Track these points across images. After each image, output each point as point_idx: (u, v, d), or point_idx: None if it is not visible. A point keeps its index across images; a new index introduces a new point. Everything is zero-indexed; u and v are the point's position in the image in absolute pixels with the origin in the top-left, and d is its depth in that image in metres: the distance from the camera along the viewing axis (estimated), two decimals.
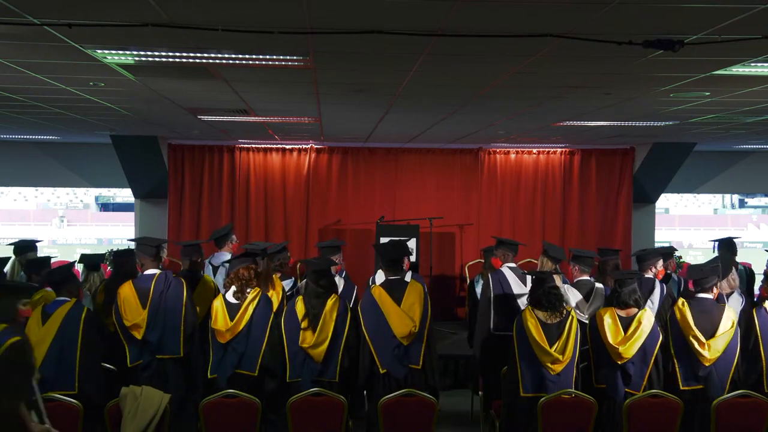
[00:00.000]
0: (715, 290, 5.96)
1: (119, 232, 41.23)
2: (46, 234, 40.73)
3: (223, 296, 5.97)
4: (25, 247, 8.20)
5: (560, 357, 5.46)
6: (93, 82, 5.96)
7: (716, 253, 7.91)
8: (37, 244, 8.51)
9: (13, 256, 8.07)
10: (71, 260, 7.53)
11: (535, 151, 12.14)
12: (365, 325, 5.84)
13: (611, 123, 8.45)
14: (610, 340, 5.63)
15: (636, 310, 5.75)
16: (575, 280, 6.70)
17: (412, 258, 9.24)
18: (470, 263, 11.43)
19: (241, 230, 11.34)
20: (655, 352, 5.71)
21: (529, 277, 6.58)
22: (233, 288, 5.93)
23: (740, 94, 6.09)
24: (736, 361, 5.79)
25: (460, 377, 8.66)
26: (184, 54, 4.72)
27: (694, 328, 5.71)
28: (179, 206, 11.80)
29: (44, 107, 7.53)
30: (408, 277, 6.56)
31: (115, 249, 10.72)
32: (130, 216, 16.67)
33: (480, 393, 6.90)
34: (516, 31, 3.94)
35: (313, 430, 5.46)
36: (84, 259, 7.40)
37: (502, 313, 6.68)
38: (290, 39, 4.17)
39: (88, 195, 55.51)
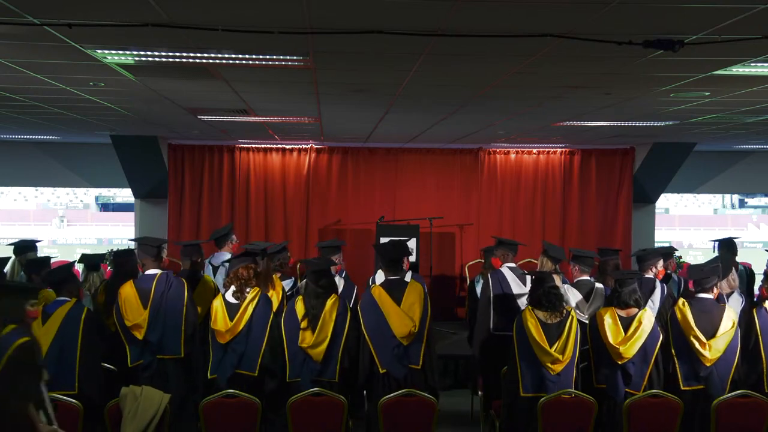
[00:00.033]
0: (715, 290, 5.97)
1: (119, 232, 41.22)
2: (46, 234, 40.72)
3: (223, 296, 5.97)
4: (25, 247, 8.20)
5: (560, 357, 5.46)
6: (93, 82, 5.96)
7: (716, 253, 7.92)
8: (37, 244, 8.51)
9: (13, 256, 8.07)
10: (71, 260, 7.53)
11: (535, 151, 12.14)
12: (365, 325, 5.84)
13: (611, 123, 8.45)
14: (611, 340, 5.63)
15: (636, 310, 5.75)
16: (575, 280, 6.69)
17: (412, 258, 9.24)
18: (470, 263, 11.42)
19: (241, 230, 11.34)
20: (656, 352, 5.71)
21: (528, 277, 6.59)
22: (232, 288, 5.93)
23: (740, 94, 6.09)
24: (736, 361, 5.80)
25: (460, 377, 8.66)
26: (184, 54, 4.72)
27: (694, 328, 5.71)
28: (179, 206, 11.79)
29: (44, 107, 7.53)
30: (408, 277, 6.56)
31: (115, 249, 10.72)
32: (130, 216, 16.66)
33: (480, 393, 6.90)
34: (516, 31, 3.94)
35: (313, 430, 5.46)
36: (84, 259, 7.40)
37: (501, 313, 6.68)
38: (290, 39, 4.17)
39: (88, 195, 55.50)
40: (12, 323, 4.64)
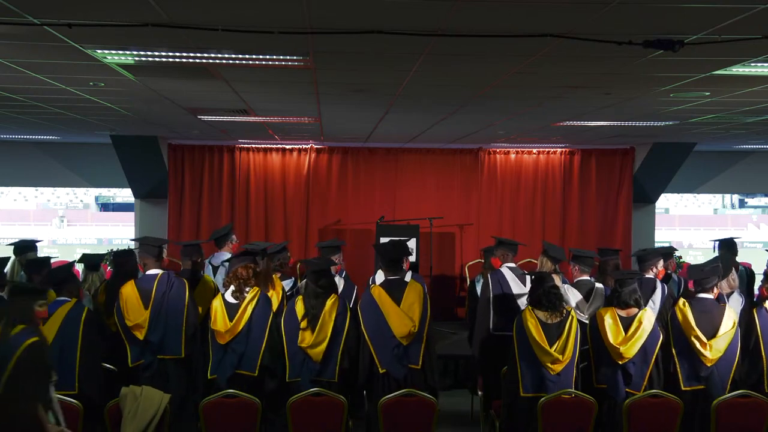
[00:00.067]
0: (715, 290, 5.97)
1: (119, 232, 41.24)
2: (46, 234, 40.73)
3: (222, 296, 5.97)
4: (25, 247, 8.20)
5: (560, 357, 5.46)
6: (93, 82, 5.96)
7: (717, 253, 7.92)
8: (37, 244, 8.51)
9: (13, 256, 8.07)
10: (71, 260, 7.53)
11: (535, 151, 12.14)
12: (365, 325, 5.85)
13: (611, 123, 8.45)
14: (611, 340, 5.63)
15: (636, 310, 5.75)
16: (575, 280, 6.69)
17: (412, 258, 9.24)
18: (470, 263, 11.42)
19: (241, 230, 11.34)
20: (656, 352, 5.71)
21: (528, 277, 6.59)
22: (232, 287, 5.92)
23: (740, 94, 6.09)
24: (736, 361, 5.80)
25: (460, 377, 8.66)
26: (184, 54, 4.72)
27: (695, 328, 5.71)
28: (179, 206, 11.79)
29: (44, 107, 7.53)
30: (408, 277, 6.56)
31: (115, 249, 10.72)
32: (130, 216, 16.67)
33: (480, 393, 6.90)
34: (516, 31, 3.94)
35: (313, 430, 5.46)
36: (84, 259, 7.40)
37: (501, 313, 6.68)
38: (290, 39, 4.17)
39: (88, 195, 55.52)
40: (21, 323, 4.68)
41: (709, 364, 5.73)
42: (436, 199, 11.89)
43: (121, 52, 4.70)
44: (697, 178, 13.01)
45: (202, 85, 6.00)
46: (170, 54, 4.73)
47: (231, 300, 5.88)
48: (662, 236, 31.51)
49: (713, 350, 5.70)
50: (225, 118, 8.34)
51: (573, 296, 6.52)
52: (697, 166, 12.45)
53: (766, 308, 5.95)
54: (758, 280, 8.22)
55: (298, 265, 9.65)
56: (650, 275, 6.74)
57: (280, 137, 10.88)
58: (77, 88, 6.23)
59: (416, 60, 4.84)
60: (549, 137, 10.51)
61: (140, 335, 6.01)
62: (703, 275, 5.94)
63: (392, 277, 6.02)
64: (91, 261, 7.32)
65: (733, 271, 6.61)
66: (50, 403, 4.71)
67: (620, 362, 5.64)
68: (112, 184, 13.30)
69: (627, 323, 5.69)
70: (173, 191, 11.75)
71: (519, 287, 6.78)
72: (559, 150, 12.12)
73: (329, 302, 5.76)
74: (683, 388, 5.75)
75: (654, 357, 5.70)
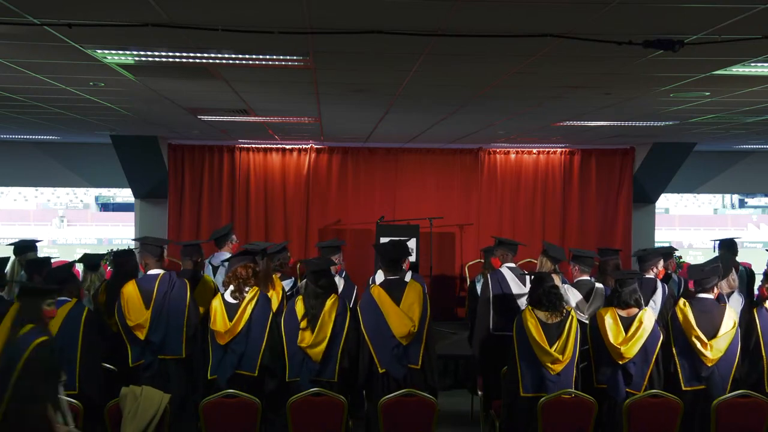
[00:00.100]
0: (715, 290, 5.97)
1: (119, 232, 41.27)
2: (46, 234, 40.75)
3: (222, 296, 5.96)
4: (25, 247, 8.20)
5: (560, 357, 5.46)
6: (93, 82, 5.96)
7: (717, 253, 7.91)
8: (37, 244, 8.51)
9: (13, 256, 8.07)
10: (71, 260, 7.52)
11: (535, 151, 12.14)
12: (364, 325, 5.85)
13: (611, 123, 8.45)
14: (612, 340, 5.63)
15: (637, 310, 5.75)
16: (575, 280, 6.69)
17: (412, 258, 9.25)
18: (470, 263, 11.42)
19: (241, 230, 11.34)
20: (656, 352, 5.71)
21: (528, 277, 6.58)
22: (231, 287, 5.92)
23: (740, 94, 6.09)
24: (736, 361, 5.80)
25: (460, 377, 8.66)
26: (184, 54, 4.72)
27: (696, 328, 5.71)
28: (179, 206, 11.79)
29: (44, 107, 7.53)
30: (408, 277, 6.56)
31: (115, 249, 10.72)
32: (130, 216, 16.67)
33: (480, 393, 6.90)
34: (516, 31, 3.94)
35: (313, 430, 5.46)
36: (84, 258, 7.40)
37: (501, 313, 6.68)
38: (290, 39, 4.17)
39: (88, 195, 55.54)
40: (29, 323, 4.72)
41: (709, 364, 5.73)
42: (436, 199, 11.89)
43: (121, 52, 4.70)
44: (697, 178, 13.01)
45: (202, 85, 6.00)
46: (170, 54, 4.73)
47: (230, 300, 5.87)
48: (662, 236, 31.52)
49: (714, 350, 5.70)
50: (225, 118, 8.34)
51: (573, 296, 6.52)
52: (697, 166, 12.45)
53: (766, 308, 5.95)
54: (758, 280, 8.22)
55: (298, 265, 9.65)
56: (650, 275, 6.75)
57: (280, 137, 10.88)
58: (77, 88, 6.23)
59: (416, 60, 4.84)
60: (549, 137, 10.51)
61: (141, 335, 6.01)
62: (703, 275, 5.94)
63: (392, 277, 6.02)
64: (91, 261, 7.32)
65: (733, 271, 6.60)
66: (59, 403, 4.72)
67: (621, 362, 5.64)
68: (112, 184, 13.30)
69: (627, 323, 5.69)
70: (173, 191, 11.75)
71: (519, 287, 6.78)
72: (559, 150, 12.12)
73: (329, 302, 5.76)
74: (684, 389, 5.75)
75: (654, 357, 5.70)
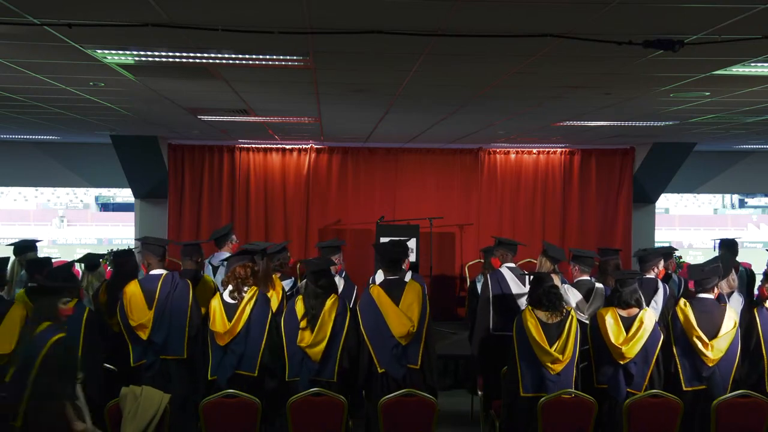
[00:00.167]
0: (715, 290, 5.97)
1: (119, 232, 41.27)
2: (46, 234, 40.77)
3: (220, 296, 5.95)
4: (25, 247, 8.20)
5: (560, 357, 5.46)
6: (93, 82, 5.96)
7: (717, 253, 7.91)
8: (37, 244, 8.51)
9: (13, 256, 8.07)
10: (70, 260, 7.52)
11: (535, 151, 12.14)
12: (364, 325, 5.85)
13: (611, 123, 8.45)
14: (613, 340, 5.63)
15: (637, 310, 5.75)
16: (575, 280, 6.69)
17: (412, 258, 9.24)
18: (470, 263, 11.42)
19: (241, 230, 11.34)
20: (657, 352, 5.71)
21: (527, 278, 6.58)
22: (230, 287, 5.91)
23: (740, 94, 6.09)
24: (737, 361, 5.80)
25: (460, 377, 8.66)
26: (184, 54, 4.72)
27: (696, 328, 5.71)
28: (179, 206, 11.79)
29: (44, 107, 7.53)
30: (408, 277, 6.56)
31: (115, 249, 10.72)
32: (130, 216, 16.67)
33: (480, 393, 6.90)
34: (516, 31, 3.94)
35: (313, 430, 5.46)
36: (84, 258, 7.40)
37: (501, 313, 6.68)
38: (290, 39, 4.17)
39: (88, 195, 55.54)
40: (46, 320, 4.79)
41: (710, 364, 5.73)
42: (436, 199, 11.89)
43: (121, 52, 4.70)
44: (697, 178, 13.01)
45: (202, 85, 6.00)
46: (170, 54, 4.73)
47: (229, 300, 5.86)
48: (662, 236, 31.53)
49: (715, 350, 5.70)
50: (225, 118, 8.34)
51: (573, 296, 6.52)
52: (697, 166, 12.45)
53: (766, 308, 5.95)
54: (758, 280, 8.22)
55: (298, 265, 9.65)
56: (651, 275, 6.75)
57: (280, 137, 10.88)
58: (77, 88, 6.23)
59: (416, 60, 4.84)
60: (549, 137, 10.51)
61: (144, 335, 6.01)
62: (704, 275, 5.94)
63: (391, 277, 6.02)
64: (91, 261, 7.32)
65: (733, 271, 6.60)
66: (76, 400, 4.76)
67: (622, 362, 5.65)
68: (112, 184, 13.30)
69: (628, 323, 5.69)
70: (173, 191, 11.75)
71: (519, 287, 6.78)
72: (559, 150, 12.12)
73: (329, 302, 5.76)
74: (685, 389, 5.75)
75: (655, 357, 5.70)
